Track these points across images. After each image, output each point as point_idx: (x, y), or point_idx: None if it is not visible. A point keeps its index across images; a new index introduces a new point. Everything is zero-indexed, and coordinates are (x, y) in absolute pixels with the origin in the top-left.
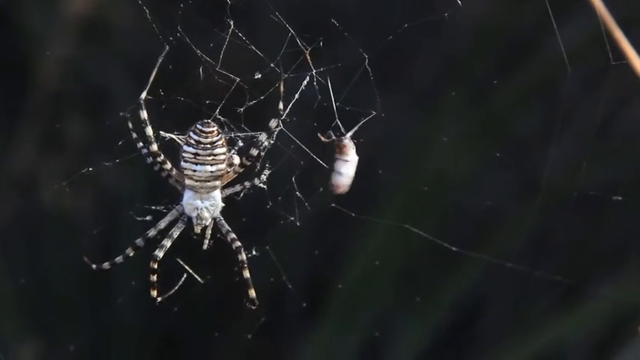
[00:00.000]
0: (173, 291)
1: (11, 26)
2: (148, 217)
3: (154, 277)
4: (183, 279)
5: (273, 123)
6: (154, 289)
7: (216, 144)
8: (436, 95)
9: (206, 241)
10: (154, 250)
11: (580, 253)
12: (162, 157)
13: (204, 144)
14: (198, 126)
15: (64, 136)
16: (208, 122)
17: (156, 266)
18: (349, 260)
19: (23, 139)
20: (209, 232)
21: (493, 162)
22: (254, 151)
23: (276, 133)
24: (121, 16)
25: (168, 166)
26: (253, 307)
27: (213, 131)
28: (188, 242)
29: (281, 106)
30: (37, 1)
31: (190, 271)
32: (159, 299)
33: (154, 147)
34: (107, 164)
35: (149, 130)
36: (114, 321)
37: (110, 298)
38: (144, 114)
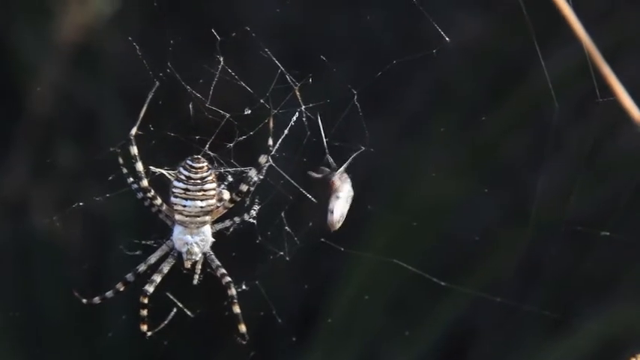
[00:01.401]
0: (163, 325)
1: (2, 52)
2: (137, 252)
3: (145, 312)
4: (173, 313)
5: (262, 159)
6: (144, 323)
7: (206, 179)
8: (424, 123)
9: (196, 276)
10: (144, 285)
11: (569, 281)
12: (152, 192)
13: (194, 179)
14: (188, 161)
15: (55, 162)
16: (198, 158)
17: (146, 301)
18: (338, 293)
19: (14, 164)
20: (199, 267)
21: (481, 190)
22: (244, 187)
23: (265, 168)
24: (112, 43)
25: (159, 201)
26: (244, 342)
27: (203, 167)
28: (178, 276)
29: (270, 142)
30: (29, 27)
31: (180, 305)
32: (149, 333)
33: (145, 182)
34: (97, 199)
35: (139, 166)
36: (104, 352)
37: (100, 327)
38: (134, 150)
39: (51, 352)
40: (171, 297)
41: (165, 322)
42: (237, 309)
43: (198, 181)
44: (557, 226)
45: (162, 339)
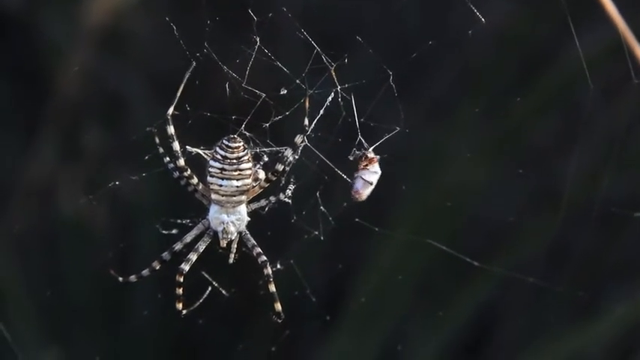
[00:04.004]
0: (198, 303)
1: (31, 35)
2: (174, 231)
3: (180, 290)
4: (208, 292)
5: (298, 139)
6: (179, 301)
7: (242, 159)
8: (453, 106)
9: (232, 255)
10: (180, 264)
11: (598, 264)
12: (188, 171)
13: (230, 159)
14: (224, 141)
15: (83, 145)
16: (234, 137)
17: (182, 279)
18: (368, 273)
19: (42, 147)
20: (235, 246)
21: (511, 173)
22: (279, 167)
23: (301, 148)
24: (141, 26)
25: (195, 180)
26: (279, 320)
27: (239, 146)
28: (213, 255)
29: (306, 122)
30: (58, 11)
31: (215, 284)
32: (184, 312)
33: (181, 162)
34: (134, 178)
35: (176, 145)
36: (134, 332)
37: (130, 307)
38: (171, 129)
39: (81, 333)
40: (207, 276)
41: (200, 300)
42: (272, 288)
43: (235, 161)
44: (588, 209)
45: (197, 318)
